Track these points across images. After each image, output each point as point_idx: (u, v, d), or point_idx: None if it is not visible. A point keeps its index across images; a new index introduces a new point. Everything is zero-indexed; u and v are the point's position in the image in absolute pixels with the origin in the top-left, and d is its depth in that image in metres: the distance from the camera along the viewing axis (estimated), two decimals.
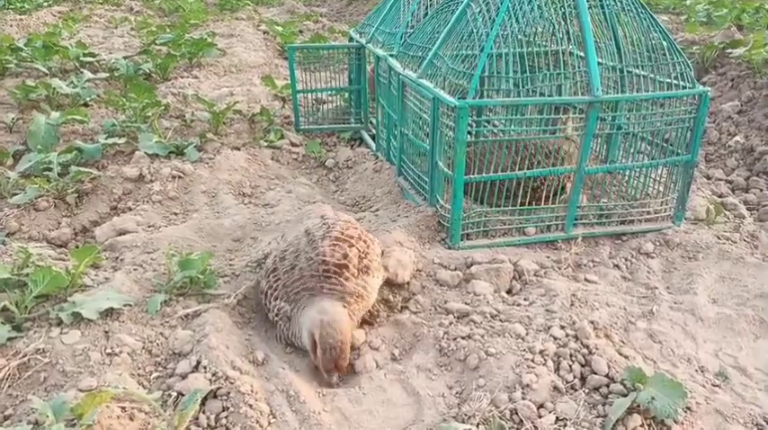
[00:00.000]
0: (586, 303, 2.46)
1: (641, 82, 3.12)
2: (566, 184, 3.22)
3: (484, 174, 2.92)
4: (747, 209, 3.66)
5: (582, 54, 2.90)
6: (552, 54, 2.89)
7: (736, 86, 5.14)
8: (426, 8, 3.93)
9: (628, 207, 3.19)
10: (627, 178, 3.45)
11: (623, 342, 2.26)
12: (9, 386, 1.94)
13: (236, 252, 3.02)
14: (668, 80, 3.04)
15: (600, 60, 3.21)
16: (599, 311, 2.41)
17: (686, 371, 2.16)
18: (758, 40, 5.06)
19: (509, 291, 2.68)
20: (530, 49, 2.97)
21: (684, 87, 2.98)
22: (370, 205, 3.65)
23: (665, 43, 3.03)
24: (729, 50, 5.29)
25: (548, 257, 2.96)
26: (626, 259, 2.97)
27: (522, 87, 2.87)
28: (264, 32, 9.90)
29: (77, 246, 3.16)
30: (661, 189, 3.24)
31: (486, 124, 3.61)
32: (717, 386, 2.11)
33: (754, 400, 2.05)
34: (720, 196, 3.80)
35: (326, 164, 4.24)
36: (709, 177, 4.16)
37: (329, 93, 4.95)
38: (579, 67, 2.91)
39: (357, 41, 4.58)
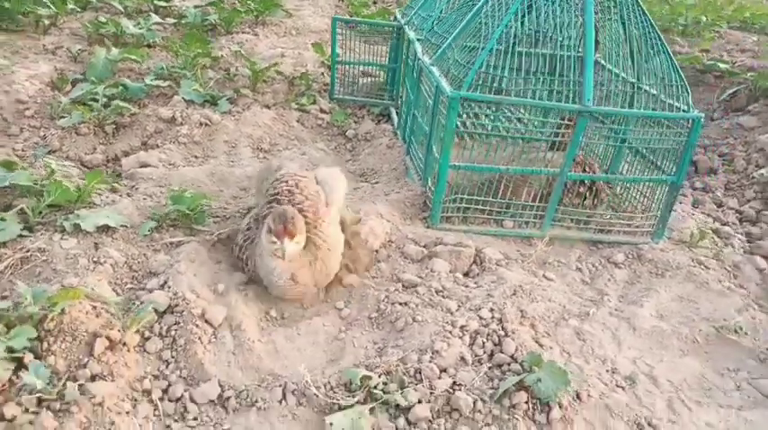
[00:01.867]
0: (529, 295, 2.64)
1: (649, 99, 3.21)
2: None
3: (469, 164, 3.11)
4: (748, 241, 3.69)
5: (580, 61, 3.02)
6: (551, 58, 3.01)
7: None
8: None
9: (607, 216, 3.31)
10: (614, 189, 3.55)
11: (548, 334, 2.45)
12: (11, 274, 2.34)
13: (240, 199, 3.35)
14: (670, 101, 3.10)
15: (617, 72, 3.32)
16: (537, 304, 2.59)
17: (595, 369, 2.33)
18: None
19: (466, 274, 2.89)
20: (533, 50, 3.10)
21: (679, 110, 3.04)
22: (375, 178, 3.89)
23: (667, 63, 3.09)
24: None
25: (518, 251, 3.13)
26: (593, 265, 3.11)
27: (516, 88, 3.03)
28: (340, 0, 10.15)
29: (106, 172, 3.58)
30: (645, 205, 3.33)
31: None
32: (620, 387, 2.27)
33: (649, 405, 2.21)
34: (723, 224, 3.82)
35: (347, 134, 4.50)
36: (720, 205, 4.16)
37: (367, 66, 5.17)
38: (575, 76, 3.02)
39: (399, 21, 4.77)
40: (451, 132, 2.96)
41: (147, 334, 2.18)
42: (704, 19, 9.39)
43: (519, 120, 3.82)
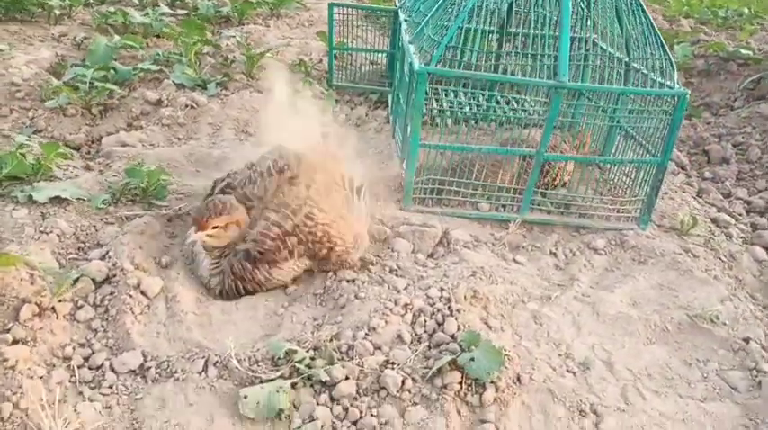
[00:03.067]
0: (489, 277, 2.51)
1: (639, 77, 3.05)
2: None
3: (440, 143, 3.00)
4: (752, 231, 3.45)
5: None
6: (523, 36, 2.88)
7: None
8: None
9: (589, 200, 3.14)
10: (603, 172, 3.38)
11: (502, 316, 2.32)
12: None
13: (210, 179, 3.31)
14: (654, 77, 2.93)
15: (611, 50, 3.17)
16: (496, 286, 2.46)
17: (546, 352, 2.18)
18: None
19: (431, 255, 2.78)
20: (513, 29, 2.98)
21: (663, 85, 2.86)
22: (360, 161, 3.81)
23: (652, 38, 2.91)
24: None
25: (491, 234, 3.00)
26: (570, 250, 2.94)
27: (486, 63, 2.90)
28: None
29: (89, 151, 3.61)
30: (631, 189, 3.15)
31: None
32: (571, 372, 2.13)
33: (598, 392, 2.05)
34: (725, 213, 3.59)
35: (338, 119, 4.43)
36: (729, 195, 3.92)
37: (367, 53, 5.10)
38: (551, 51, 2.88)
39: (395, 6, 4.69)
40: (420, 108, 2.85)
41: (80, 303, 2.15)
42: (747, 11, 8.96)
43: (507, 102, 3.68)
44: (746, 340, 2.37)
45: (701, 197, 3.80)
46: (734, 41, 6.58)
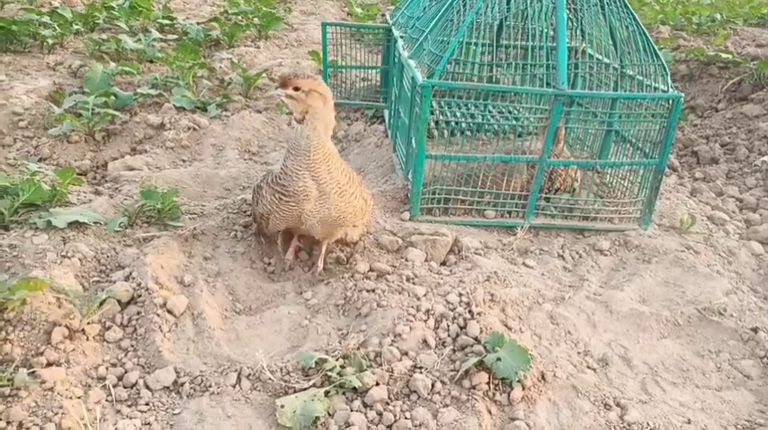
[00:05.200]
0: (503, 281, 2.59)
1: (633, 83, 3.16)
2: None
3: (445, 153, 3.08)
4: (747, 227, 3.57)
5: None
6: (522, 48, 2.98)
7: None
8: None
9: (591, 203, 3.23)
10: (603, 176, 3.48)
11: (519, 317, 2.39)
12: None
13: (224, 199, 3.36)
14: (648, 82, 3.04)
15: (599, 57, 3.29)
16: (510, 289, 2.53)
17: (566, 351, 2.25)
18: None
19: (443, 263, 2.84)
20: (506, 42, 3.09)
21: (657, 89, 2.97)
22: (362, 176, 3.88)
23: (643, 44, 3.03)
24: None
25: (499, 240, 3.08)
26: (577, 252, 3.03)
27: (483, 74, 3.00)
28: (348, 14, 10.27)
29: (95, 177, 3.64)
30: (631, 191, 3.25)
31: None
32: (591, 368, 2.20)
33: (619, 386, 2.13)
34: (719, 210, 3.70)
35: (337, 135, 4.51)
36: (721, 193, 4.04)
37: (360, 70, 5.20)
38: (544, 61, 2.98)
39: (388, 23, 4.79)
40: (425, 121, 2.94)
41: (108, 324, 2.18)
42: (719, 17, 9.25)
43: (500, 112, 3.79)
44: (755, 330, 2.46)
45: (694, 196, 3.91)
46: (710, 46, 6.79)
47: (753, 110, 4.95)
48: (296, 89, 2.27)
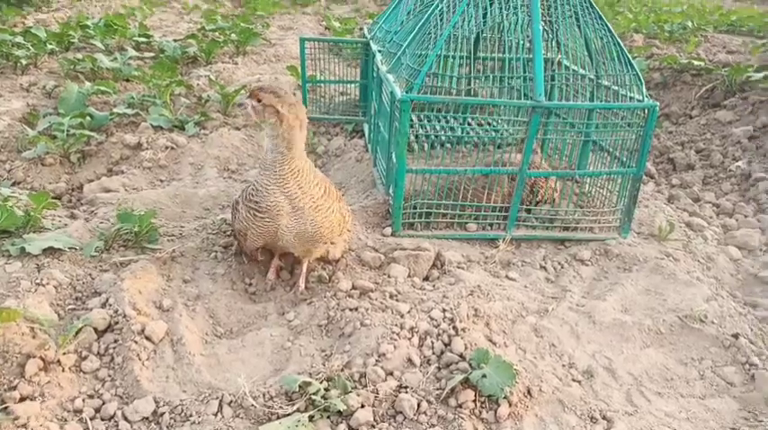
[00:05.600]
0: (486, 295, 2.58)
1: (609, 93, 3.19)
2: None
3: (425, 167, 3.08)
4: (724, 233, 3.61)
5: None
6: (499, 60, 3.00)
7: (755, 112, 4.97)
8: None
9: (572, 214, 3.25)
10: (582, 186, 3.50)
11: (504, 331, 2.37)
12: None
13: (203, 219, 3.32)
14: (623, 91, 3.07)
15: (575, 68, 3.32)
16: (494, 303, 2.52)
17: (551, 364, 2.25)
18: None
19: (426, 278, 2.83)
20: (483, 54, 3.10)
21: (632, 99, 3.00)
22: (343, 191, 3.86)
23: (617, 54, 3.06)
24: (750, 75, 5.10)
25: (481, 253, 3.07)
26: (558, 263, 3.04)
27: (461, 88, 3.01)
28: (326, 28, 10.30)
29: (70, 200, 3.58)
30: (609, 199, 3.28)
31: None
32: (576, 381, 2.19)
33: (605, 398, 2.12)
34: (697, 217, 3.74)
35: (317, 151, 4.49)
36: (697, 199, 4.08)
37: (338, 84, 5.19)
38: (520, 73, 3.00)
39: (366, 37, 4.80)
40: (405, 135, 2.93)
41: (84, 353, 2.13)
42: (690, 24, 9.43)
43: (480, 124, 3.80)
44: (735, 336, 2.48)
45: (672, 203, 3.95)
46: (682, 53, 6.91)
47: (726, 116, 5.04)
48: (259, 101, 2.29)
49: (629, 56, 3.07)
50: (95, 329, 2.20)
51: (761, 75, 4.95)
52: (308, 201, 2.39)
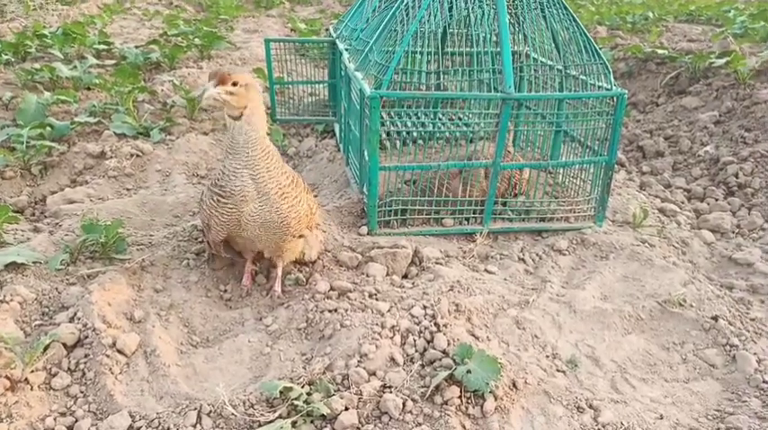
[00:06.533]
0: (467, 289, 2.55)
1: (578, 83, 3.19)
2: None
3: (398, 164, 3.04)
4: (697, 217, 3.66)
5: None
6: (467, 54, 2.98)
7: (720, 97, 5.06)
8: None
9: (547, 204, 3.24)
10: (555, 176, 3.51)
11: (486, 325, 2.35)
12: None
13: (173, 227, 3.23)
14: (592, 81, 3.08)
15: (543, 60, 3.31)
16: (474, 297, 2.50)
17: (534, 355, 2.23)
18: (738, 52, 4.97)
19: (405, 276, 2.79)
20: (450, 49, 3.08)
21: (600, 88, 3.01)
22: (316, 192, 3.81)
23: (584, 44, 3.07)
24: (713, 61, 5.19)
25: (459, 248, 3.05)
26: (537, 254, 3.03)
27: (429, 83, 2.98)
28: (292, 30, 10.20)
29: (33, 213, 3.45)
30: (583, 189, 3.28)
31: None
32: (561, 371, 2.18)
33: (590, 387, 2.11)
34: (669, 202, 3.78)
35: (288, 152, 4.43)
36: (668, 185, 4.13)
37: (306, 85, 5.13)
38: (489, 66, 2.99)
39: (332, 36, 4.75)
40: (376, 133, 2.89)
41: (54, 370, 2.04)
42: (651, 15, 9.60)
43: (451, 119, 3.79)
44: (715, 318, 2.49)
45: (644, 190, 3.99)
46: (645, 43, 7.02)
47: (692, 102, 5.11)
48: (234, 84, 2.17)
49: (596, 46, 3.08)
50: (64, 345, 2.12)
51: (723, 60, 5.03)
52: (275, 187, 2.32)
